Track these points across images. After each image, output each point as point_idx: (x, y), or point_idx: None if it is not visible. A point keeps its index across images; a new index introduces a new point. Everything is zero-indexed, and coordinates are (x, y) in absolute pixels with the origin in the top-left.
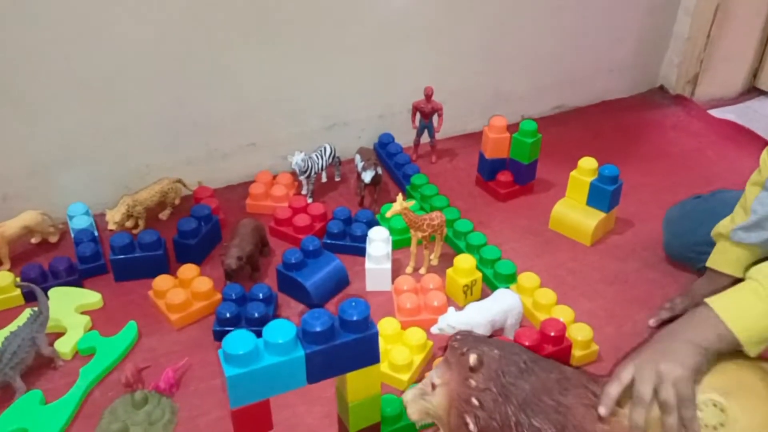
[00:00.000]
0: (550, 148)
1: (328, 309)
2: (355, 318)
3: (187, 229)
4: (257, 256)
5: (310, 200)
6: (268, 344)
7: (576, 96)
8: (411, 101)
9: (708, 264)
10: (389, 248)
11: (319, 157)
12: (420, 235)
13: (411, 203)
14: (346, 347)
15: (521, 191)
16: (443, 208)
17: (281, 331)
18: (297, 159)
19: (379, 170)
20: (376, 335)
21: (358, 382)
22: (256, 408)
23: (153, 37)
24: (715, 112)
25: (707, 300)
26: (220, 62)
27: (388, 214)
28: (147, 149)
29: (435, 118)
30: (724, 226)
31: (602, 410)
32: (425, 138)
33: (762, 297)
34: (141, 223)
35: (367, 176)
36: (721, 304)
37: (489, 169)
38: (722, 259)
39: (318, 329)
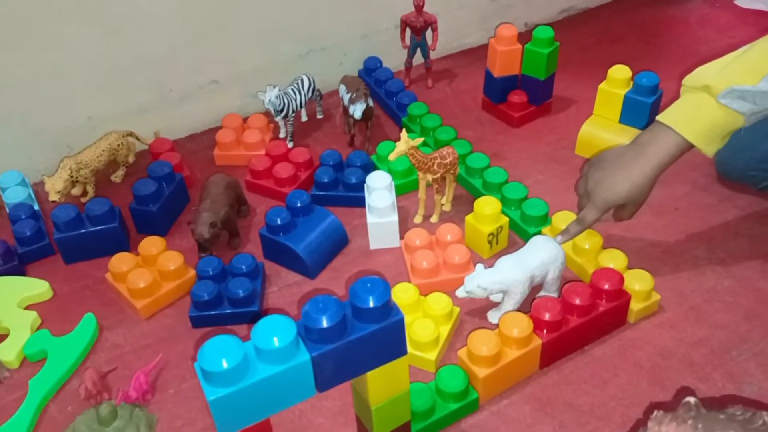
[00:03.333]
0: (563, 59)
1: (333, 293)
2: (372, 304)
3: (145, 194)
4: (234, 219)
5: (290, 144)
6: (260, 351)
7: None
8: (399, 15)
9: (660, 117)
10: (393, 196)
11: (297, 92)
12: (430, 177)
13: (418, 141)
14: (363, 342)
15: (537, 112)
16: (451, 141)
17: (275, 330)
18: (270, 96)
19: (370, 102)
20: (401, 322)
21: (381, 381)
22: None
23: None
24: (743, 2)
25: (659, 118)
26: None
27: (392, 156)
28: (86, 97)
29: (428, 33)
30: (714, 77)
31: (559, 238)
32: (418, 59)
33: (706, 101)
34: (90, 189)
35: (357, 110)
36: (672, 117)
37: (499, 90)
38: (684, 115)
39: (325, 324)
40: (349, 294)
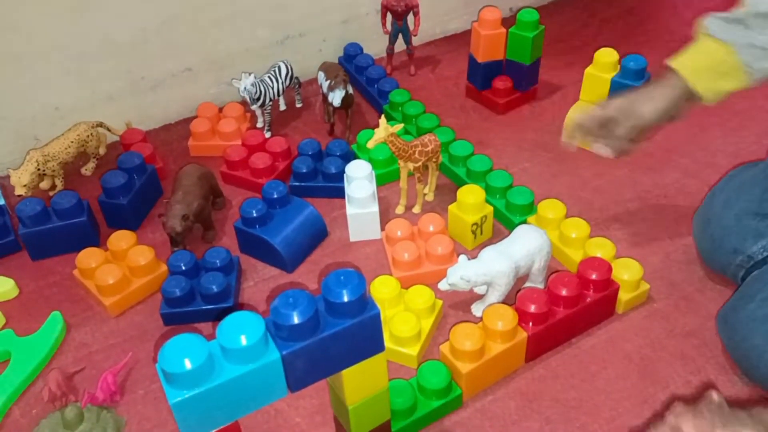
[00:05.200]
0: (549, 44)
1: (310, 287)
2: (346, 298)
3: (114, 186)
4: (208, 211)
5: (268, 134)
6: (226, 350)
7: None
8: (379, 0)
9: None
10: (374, 186)
11: (274, 79)
12: (411, 166)
13: (398, 127)
14: (337, 339)
15: (522, 99)
16: (434, 129)
17: (243, 327)
18: (246, 83)
19: (350, 89)
20: (377, 317)
21: (357, 379)
22: None
23: None
24: None
25: (669, 62)
26: None
27: (370, 144)
28: (52, 84)
29: (410, 18)
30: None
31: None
32: (400, 45)
33: (701, 38)
34: (58, 182)
35: (336, 97)
36: (680, 61)
37: (482, 76)
38: (683, 54)
39: (296, 320)
40: (322, 288)
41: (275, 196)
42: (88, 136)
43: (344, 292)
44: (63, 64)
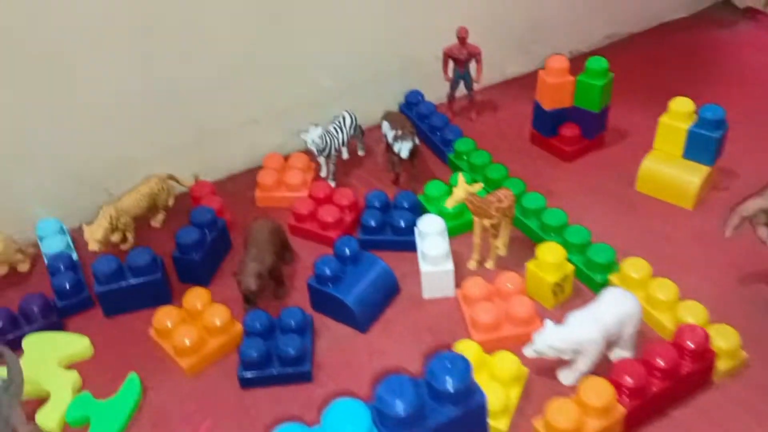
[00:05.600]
0: (613, 86)
1: (379, 346)
2: (453, 385)
3: (188, 242)
4: (280, 267)
5: (332, 184)
6: None
7: (629, 20)
8: (439, 47)
9: None
10: (447, 243)
11: (339, 130)
12: (487, 223)
13: (477, 187)
14: (443, 429)
15: (591, 146)
16: (503, 181)
17: (348, 417)
18: (313, 135)
19: (417, 140)
20: (484, 404)
21: None
22: None
23: None
24: None
25: None
26: (197, 15)
27: (449, 204)
28: (122, 137)
29: (471, 65)
30: None
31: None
32: (460, 90)
33: None
34: (129, 236)
35: (404, 149)
36: None
37: (549, 123)
38: None
39: (402, 411)
40: (427, 373)
41: (347, 252)
42: (159, 189)
43: (450, 379)
44: (131, 115)
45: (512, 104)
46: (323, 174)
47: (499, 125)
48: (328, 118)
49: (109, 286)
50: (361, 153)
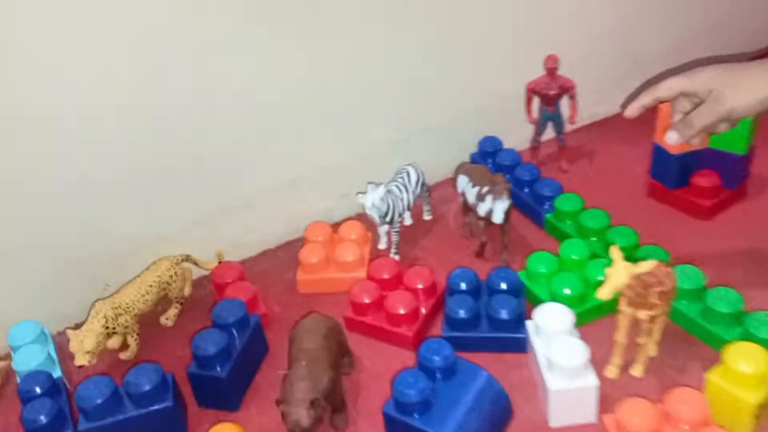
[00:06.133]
0: None
1: None
2: None
3: (209, 352)
4: (340, 386)
5: (395, 256)
6: None
7: (736, 41)
8: (518, 83)
9: None
10: (584, 345)
11: (403, 189)
12: (645, 314)
13: (646, 266)
14: None
15: (732, 198)
16: (638, 251)
17: None
18: (374, 197)
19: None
20: None
21: None
22: None
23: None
24: None
25: None
26: (223, 60)
27: (604, 294)
28: (129, 210)
29: (562, 102)
30: None
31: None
32: (547, 134)
33: None
34: (132, 341)
35: (498, 210)
36: None
37: (676, 171)
38: None
39: None
40: None
41: (439, 363)
42: (171, 276)
43: None
44: (137, 184)
45: (607, 149)
46: (382, 246)
47: (599, 177)
48: (383, 176)
49: (100, 422)
50: (427, 217)
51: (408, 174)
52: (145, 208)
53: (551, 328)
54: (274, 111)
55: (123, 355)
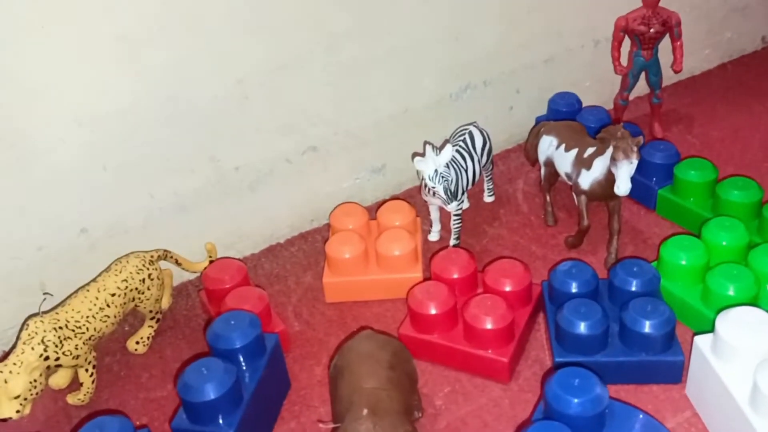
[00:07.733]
0: None
1: None
2: None
3: (207, 398)
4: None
5: (455, 242)
6: None
7: None
8: (605, 22)
9: None
10: None
11: (466, 155)
12: None
13: None
14: None
15: None
16: None
17: None
18: (439, 162)
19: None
20: None
21: None
22: None
23: None
24: None
25: None
26: None
27: None
28: (75, 187)
29: (660, 46)
30: None
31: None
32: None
33: None
34: (85, 377)
35: (624, 177)
36: None
37: None
38: None
39: None
40: None
41: (588, 410)
42: (142, 281)
43: None
44: (95, 152)
45: (706, 112)
46: (433, 237)
47: (705, 145)
48: (433, 138)
49: None
50: (489, 198)
51: (471, 136)
52: (102, 183)
53: (756, 345)
54: (286, 43)
55: (73, 399)
